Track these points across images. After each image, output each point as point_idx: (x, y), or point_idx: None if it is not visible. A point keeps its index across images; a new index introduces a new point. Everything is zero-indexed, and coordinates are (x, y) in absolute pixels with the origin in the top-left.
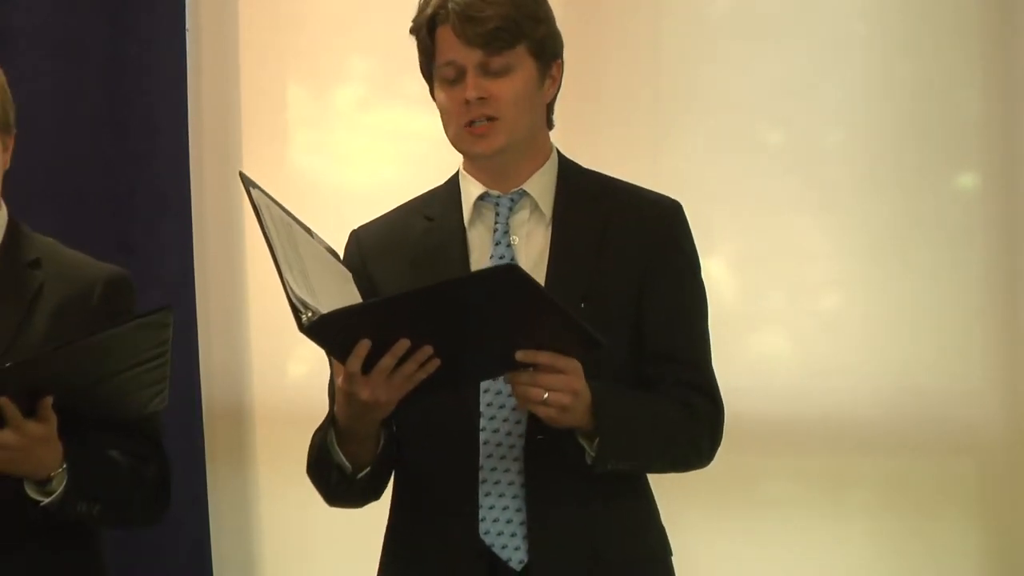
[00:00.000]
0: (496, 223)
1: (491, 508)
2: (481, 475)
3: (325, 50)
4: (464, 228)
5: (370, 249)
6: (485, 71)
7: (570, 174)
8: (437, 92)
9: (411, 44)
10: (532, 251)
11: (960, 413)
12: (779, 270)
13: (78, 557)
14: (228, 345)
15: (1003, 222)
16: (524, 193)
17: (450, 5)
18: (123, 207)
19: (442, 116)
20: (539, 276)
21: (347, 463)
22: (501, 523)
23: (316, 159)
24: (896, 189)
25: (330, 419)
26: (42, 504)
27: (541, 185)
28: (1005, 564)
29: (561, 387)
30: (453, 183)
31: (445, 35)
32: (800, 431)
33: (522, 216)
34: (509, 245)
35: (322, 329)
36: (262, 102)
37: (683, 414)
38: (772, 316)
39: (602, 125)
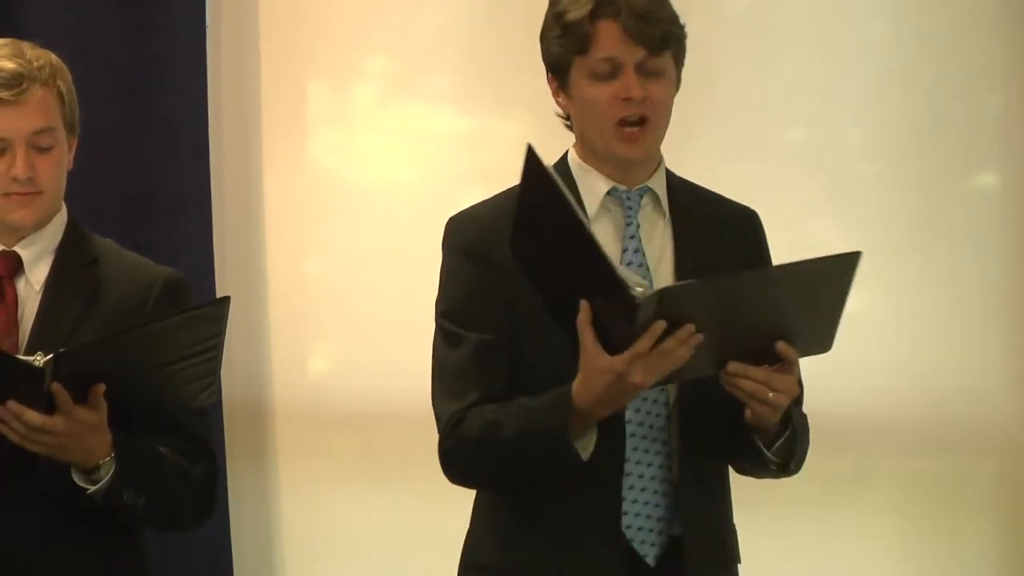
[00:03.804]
0: (628, 217)
1: (634, 502)
2: (627, 467)
3: (345, 48)
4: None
5: (485, 231)
6: (642, 70)
7: (672, 178)
8: (583, 86)
9: (431, 43)
10: (653, 247)
11: (980, 412)
12: None
13: (123, 559)
14: (248, 343)
15: (1023, 221)
16: (649, 189)
17: (620, 2)
18: (143, 206)
19: (586, 110)
20: (666, 270)
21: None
22: (642, 518)
23: (335, 157)
24: (916, 188)
25: (565, 406)
26: (88, 492)
27: (661, 184)
28: None
29: (787, 389)
30: (565, 176)
31: (609, 30)
32: (819, 429)
33: (645, 212)
34: (639, 239)
35: (650, 304)
36: (282, 100)
37: (800, 420)
38: None
39: None
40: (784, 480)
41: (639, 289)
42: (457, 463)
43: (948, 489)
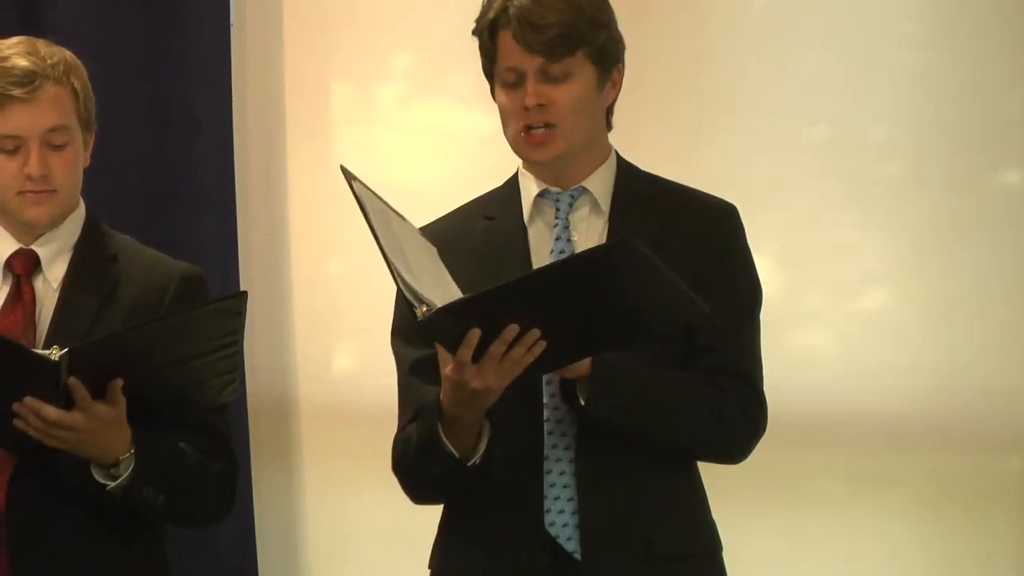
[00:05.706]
0: (556, 219)
1: (556, 499)
2: (546, 466)
3: (369, 47)
4: (524, 225)
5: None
6: (545, 76)
7: (628, 175)
8: (498, 94)
9: (454, 42)
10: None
11: (1003, 410)
12: (821, 268)
13: (144, 556)
14: (272, 342)
15: None
16: (584, 190)
17: (511, 11)
18: (167, 205)
19: (502, 117)
20: None
21: (455, 451)
22: (566, 515)
23: (359, 156)
24: (939, 187)
25: (434, 412)
26: (108, 488)
27: (600, 183)
28: None
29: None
30: (512, 183)
31: (506, 40)
32: (842, 429)
33: (581, 213)
34: (569, 240)
35: (436, 321)
36: (306, 99)
37: (704, 387)
38: (814, 314)
39: (644, 123)
40: (810, 479)
41: (423, 308)
42: (402, 487)
43: (972, 487)
